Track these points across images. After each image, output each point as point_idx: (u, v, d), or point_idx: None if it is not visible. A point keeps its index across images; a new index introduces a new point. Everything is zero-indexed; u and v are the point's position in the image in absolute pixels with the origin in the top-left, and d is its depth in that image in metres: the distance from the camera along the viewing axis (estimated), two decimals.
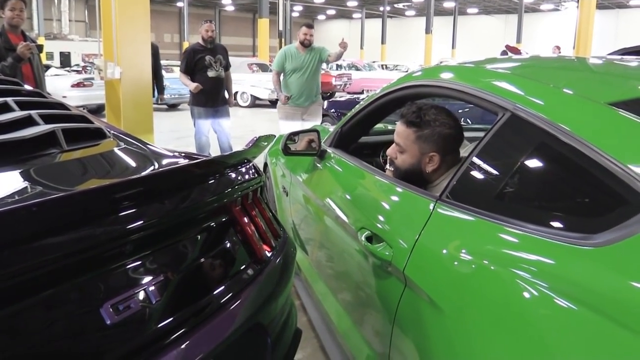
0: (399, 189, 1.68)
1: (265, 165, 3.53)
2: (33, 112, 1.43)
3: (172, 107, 14.19)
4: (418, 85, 1.88)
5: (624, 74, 1.63)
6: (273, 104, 15.60)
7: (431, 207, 1.42)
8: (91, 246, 0.92)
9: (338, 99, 11.84)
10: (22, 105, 1.51)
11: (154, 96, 6.68)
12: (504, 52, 9.97)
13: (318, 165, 2.37)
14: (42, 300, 0.86)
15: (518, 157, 1.33)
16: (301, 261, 2.54)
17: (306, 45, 5.47)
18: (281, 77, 5.61)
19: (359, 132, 2.44)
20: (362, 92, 16.96)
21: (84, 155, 1.41)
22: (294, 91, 5.48)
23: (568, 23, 30.13)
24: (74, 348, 0.89)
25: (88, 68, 15.43)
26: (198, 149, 5.69)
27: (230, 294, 1.21)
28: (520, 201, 1.31)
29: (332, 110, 7.42)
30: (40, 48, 4.42)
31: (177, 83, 10.05)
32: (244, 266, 1.33)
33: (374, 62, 26.25)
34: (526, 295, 1.02)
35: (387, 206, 1.73)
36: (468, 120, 5.00)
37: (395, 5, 38.53)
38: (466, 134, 1.96)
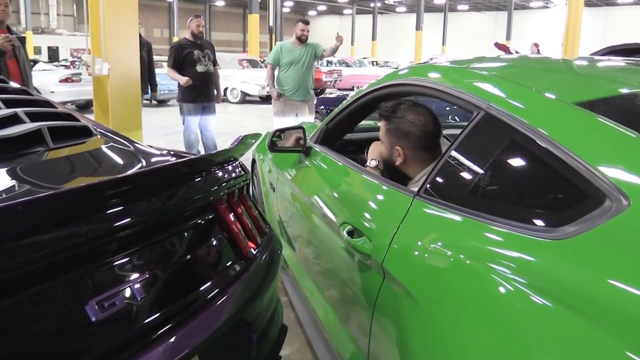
0: (380, 185, 1.73)
1: (253, 161, 3.54)
2: (19, 110, 1.43)
3: (161, 102, 14.13)
4: (402, 84, 1.91)
5: (597, 75, 1.69)
6: (263, 100, 15.58)
7: (409, 202, 1.46)
8: (77, 244, 0.93)
9: (328, 95, 11.84)
10: (8, 103, 1.51)
11: (147, 93, 6.64)
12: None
13: (304, 161, 2.39)
14: (27, 298, 0.87)
15: (490, 154, 1.38)
16: (289, 258, 2.56)
17: (303, 40, 5.54)
18: (275, 73, 5.64)
19: (344, 128, 2.47)
20: (352, 89, 16.95)
21: (71, 154, 1.42)
22: (290, 84, 5.53)
23: (557, 20, 30.33)
24: (59, 345, 0.91)
25: (76, 63, 15.30)
26: (187, 147, 5.67)
27: (216, 291, 1.22)
28: (492, 197, 1.36)
29: (321, 107, 7.42)
30: (22, 40, 4.36)
31: (166, 79, 10.01)
32: (229, 263, 1.34)
33: (364, 58, 26.26)
34: (495, 287, 1.06)
35: (368, 202, 1.77)
36: (456, 117, 5.04)
37: (386, 2, 38.60)
38: (451, 131, 2.00)
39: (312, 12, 47.47)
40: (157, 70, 6.84)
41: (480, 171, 1.39)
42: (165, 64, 6.47)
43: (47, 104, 1.68)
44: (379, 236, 1.50)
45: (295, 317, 2.55)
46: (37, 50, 27.06)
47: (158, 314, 1.05)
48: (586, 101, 1.25)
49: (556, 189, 1.20)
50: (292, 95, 5.56)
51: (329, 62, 19.27)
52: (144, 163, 1.47)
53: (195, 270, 1.24)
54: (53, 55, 28.15)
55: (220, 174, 1.36)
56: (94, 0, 5.48)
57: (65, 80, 11.95)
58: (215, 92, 5.77)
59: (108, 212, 0.99)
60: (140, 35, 6.08)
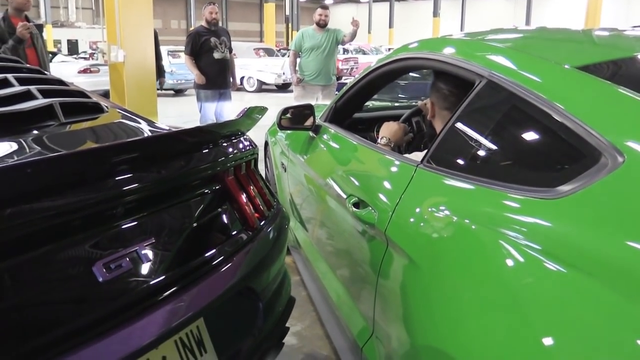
0: (385, 158, 1.76)
1: (266, 144, 3.56)
2: (32, 87, 1.47)
3: (178, 92, 14.24)
4: (409, 58, 1.92)
5: (605, 42, 1.71)
6: (280, 88, 15.60)
7: (412, 172, 1.48)
8: (84, 206, 0.97)
9: (345, 81, 11.79)
10: (22, 81, 1.55)
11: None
12: None
13: (313, 140, 2.41)
14: (35, 258, 0.90)
15: (489, 120, 1.41)
16: (301, 238, 2.59)
17: (322, 25, 5.62)
18: (298, 59, 5.73)
19: (353, 106, 2.48)
20: None
21: (82, 128, 1.46)
22: (312, 69, 5.61)
23: (577, 6, 29.74)
24: (65, 305, 0.94)
25: (95, 55, 15.48)
26: None
27: (222, 257, 1.25)
28: (490, 161, 1.38)
29: (337, 93, 7.42)
30: (40, 28, 4.44)
31: (183, 68, 10.07)
32: (235, 232, 1.37)
33: (380, 46, 26.10)
34: (496, 248, 1.07)
35: (374, 174, 1.80)
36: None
37: None
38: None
39: (329, 1, 47.25)
40: (175, 60, 6.90)
41: (480, 137, 1.42)
42: (182, 54, 6.51)
43: (60, 82, 1.72)
44: (383, 205, 1.52)
45: (307, 295, 2.59)
46: (57, 43, 27.36)
47: (163, 277, 1.08)
48: (585, 65, 1.26)
49: (553, 149, 1.21)
50: (312, 80, 5.64)
51: (345, 50, 19.19)
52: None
53: (201, 237, 1.27)
54: (72, 48, 28.45)
55: (226, 145, 1.39)
56: None
57: (84, 71, 12.12)
58: (232, 79, 5.81)
59: (115, 177, 1.03)
60: None
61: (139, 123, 1.58)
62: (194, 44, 5.48)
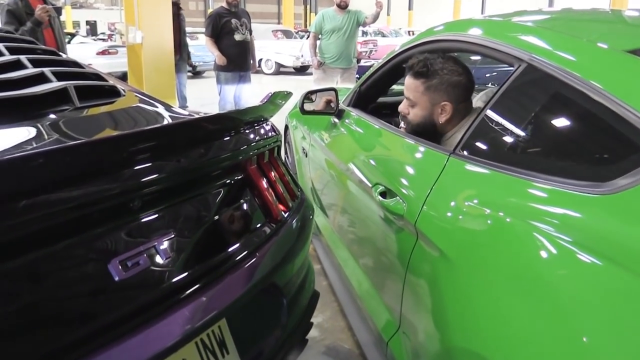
0: (413, 144, 1.65)
1: (286, 128, 3.48)
2: (45, 69, 1.40)
3: (197, 74, 14.17)
4: (436, 41, 1.81)
5: None
6: (298, 71, 15.46)
7: (445, 161, 1.39)
8: (98, 200, 0.89)
9: (364, 64, 11.63)
10: (35, 63, 1.48)
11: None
12: None
13: (336, 125, 2.33)
14: (47, 255, 0.84)
15: (532, 108, 1.30)
16: (322, 224, 2.52)
17: (342, 7, 5.45)
18: (318, 41, 5.58)
19: (377, 91, 2.39)
20: None
21: (97, 113, 1.39)
22: (332, 52, 5.47)
23: None
24: (80, 305, 0.87)
25: (113, 36, 15.47)
26: None
27: (245, 252, 1.18)
28: (534, 153, 1.27)
29: (357, 76, 7.31)
30: (59, 11, 4.40)
31: (202, 50, 9.97)
32: (259, 225, 1.30)
33: (400, 28, 25.74)
34: (538, 246, 0.99)
35: (401, 162, 1.70)
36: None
37: None
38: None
39: None
40: (192, 42, 6.83)
41: (522, 126, 1.31)
42: (200, 36, 6.45)
43: (75, 64, 1.65)
44: (413, 196, 1.44)
45: (328, 284, 2.52)
46: (76, 24, 27.45)
47: (183, 275, 1.01)
48: (636, 49, 1.14)
49: (605, 141, 1.11)
50: (332, 63, 5.51)
51: (364, 33, 18.94)
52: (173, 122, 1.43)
53: (223, 232, 1.20)
54: (92, 29, 28.57)
55: (249, 132, 1.31)
56: None
57: (102, 52, 12.11)
58: (252, 61, 5.73)
59: (131, 167, 0.95)
60: None
61: (157, 107, 1.50)
62: (215, 25, 5.40)
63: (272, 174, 1.42)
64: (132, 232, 0.97)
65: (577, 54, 1.24)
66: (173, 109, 1.54)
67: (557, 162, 1.17)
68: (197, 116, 1.27)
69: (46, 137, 1.15)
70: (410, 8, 34.30)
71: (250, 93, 5.82)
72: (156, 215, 1.02)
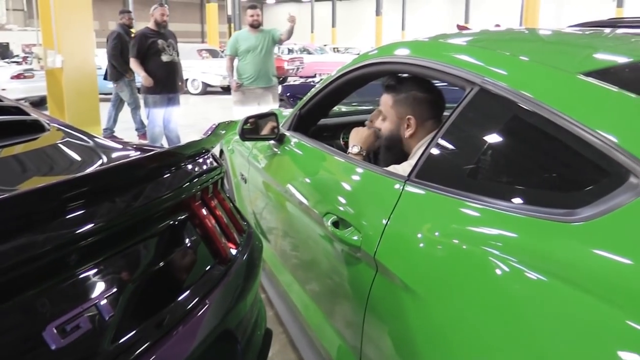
0: (364, 171, 1.61)
1: (221, 152, 3.38)
2: None
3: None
4: (376, 64, 1.79)
5: (588, 45, 1.57)
6: (225, 90, 15.26)
7: (399, 187, 1.35)
8: (28, 258, 0.78)
9: (292, 83, 11.65)
10: None
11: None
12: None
13: (277, 149, 2.26)
14: None
15: (489, 133, 1.28)
16: (265, 252, 2.43)
17: (255, 26, 5.42)
18: (235, 63, 5.48)
19: (318, 114, 2.35)
20: (314, 76, 16.77)
21: (20, 152, 1.25)
22: (250, 72, 5.39)
23: (514, 3, 30.63)
24: None
25: (28, 59, 14.71)
26: (151, 141, 5.46)
27: (196, 300, 1.08)
28: (494, 178, 1.25)
29: (287, 94, 7.27)
30: None
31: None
32: (208, 268, 1.20)
33: (325, 45, 26.06)
34: (505, 275, 0.97)
35: (353, 189, 1.64)
36: None
37: None
38: None
39: (270, 0, 46.90)
40: None
41: (480, 151, 1.27)
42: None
43: None
44: (369, 226, 1.38)
45: (274, 314, 2.43)
46: None
47: (131, 334, 0.90)
48: (593, 71, 1.14)
49: (570, 167, 1.09)
50: (251, 84, 5.42)
51: (291, 50, 19.03)
52: (106, 159, 1.31)
53: (170, 280, 1.10)
54: (4, 51, 27.10)
55: (192, 168, 1.22)
56: None
57: (17, 76, 11.46)
58: (180, 82, 5.58)
59: (65, 217, 0.85)
60: None
61: (88, 143, 1.38)
62: (141, 46, 5.23)
63: (218, 208, 1.33)
64: (67, 292, 0.86)
65: (530, 76, 1.23)
66: (104, 143, 1.42)
67: (518, 188, 1.15)
68: (134, 155, 1.17)
69: None
70: (333, 25, 34.86)
71: (179, 115, 5.65)
72: (96, 269, 0.91)
